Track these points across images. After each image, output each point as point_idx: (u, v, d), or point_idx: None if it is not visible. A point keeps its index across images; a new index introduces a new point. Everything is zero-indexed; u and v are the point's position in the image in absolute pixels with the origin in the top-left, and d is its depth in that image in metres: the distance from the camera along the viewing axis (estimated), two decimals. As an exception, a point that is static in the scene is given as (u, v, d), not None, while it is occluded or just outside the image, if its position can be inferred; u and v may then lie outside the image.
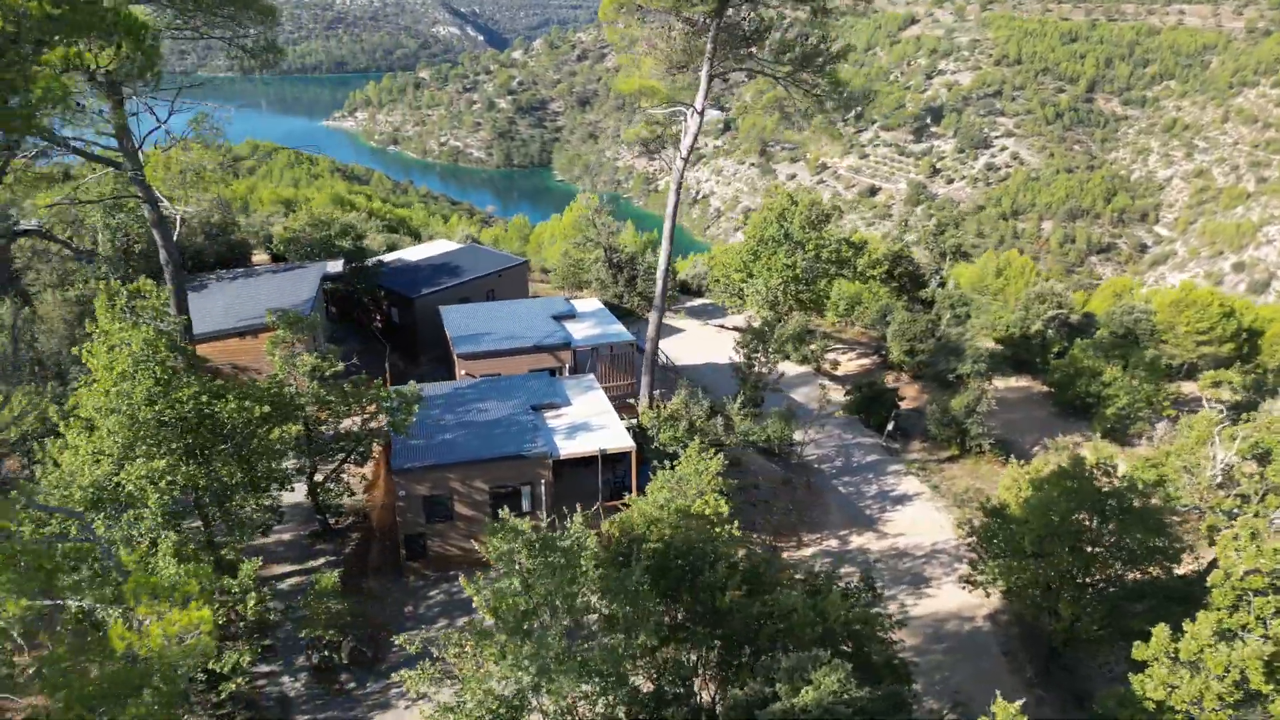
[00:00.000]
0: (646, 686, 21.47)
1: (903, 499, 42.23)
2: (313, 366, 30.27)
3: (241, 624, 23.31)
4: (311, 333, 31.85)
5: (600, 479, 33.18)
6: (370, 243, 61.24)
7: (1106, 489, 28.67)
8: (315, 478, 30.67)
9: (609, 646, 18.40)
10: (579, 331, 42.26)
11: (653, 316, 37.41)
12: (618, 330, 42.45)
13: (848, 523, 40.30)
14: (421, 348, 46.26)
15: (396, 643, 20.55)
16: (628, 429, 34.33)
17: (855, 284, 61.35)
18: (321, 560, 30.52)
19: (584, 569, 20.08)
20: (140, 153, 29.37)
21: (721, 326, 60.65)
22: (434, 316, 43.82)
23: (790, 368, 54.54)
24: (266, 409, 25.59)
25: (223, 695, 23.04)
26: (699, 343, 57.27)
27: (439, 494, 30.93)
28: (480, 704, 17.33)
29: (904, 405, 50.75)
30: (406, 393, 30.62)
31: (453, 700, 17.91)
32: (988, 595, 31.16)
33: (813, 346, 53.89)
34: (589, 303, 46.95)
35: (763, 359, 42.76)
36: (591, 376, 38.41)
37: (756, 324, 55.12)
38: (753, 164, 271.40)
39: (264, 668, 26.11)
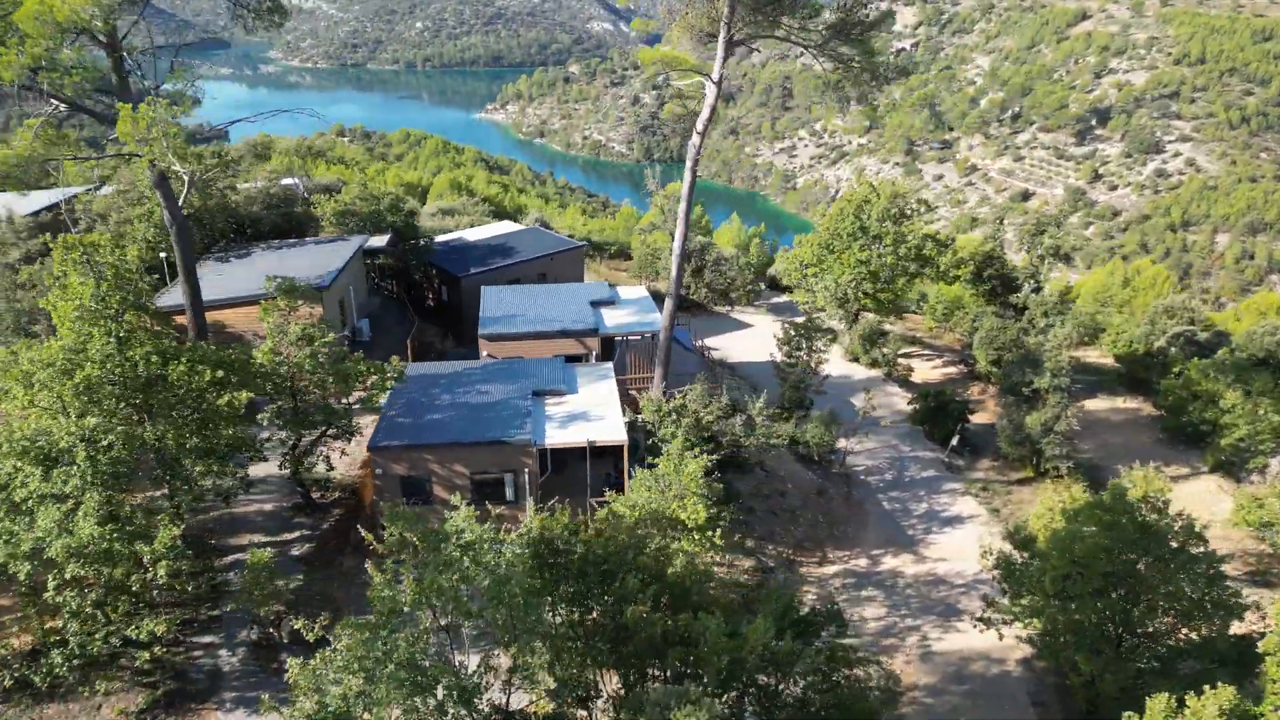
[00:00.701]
0: (541, 705, 19.44)
1: (953, 521, 38.20)
2: (301, 335, 29.74)
3: (155, 592, 22.75)
4: (312, 301, 31.33)
5: (589, 472, 31.30)
6: (452, 223, 61.41)
7: (1150, 526, 24.46)
8: (297, 450, 30.11)
9: (444, 656, 16.47)
10: (613, 319, 40.41)
11: (666, 304, 35.10)
12: (653, 320, 40.29)
13: (884, 542, 36.75)
14: (467, 326, 45.53)
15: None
16: (630, 422, 32.26)
17: (956, 287, 56.79)
18: (296, 534, 29.95)
19: (473, 568, 18.33)
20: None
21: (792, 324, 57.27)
22: (480, 296, 42.96)
23: (858, 371, 50.84)
24: (219, 374, 25.05)
25: (137, 662, 22.57)
26: (765, 340, 54.21)
27: (417, 475, 29.79)
28: (306, 715, 15.73)
29: (983, 419, 46.31)
30: (387, 369, 29.65)
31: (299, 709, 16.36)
32: (1000, 638, 27.32)
33: (885, 349, 49.95)
34: (634, 290, 45.00)
35: (805, 357, 39.64)
36: (608, 365, 36.49)
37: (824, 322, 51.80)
38: (897, 163, 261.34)
39: (206, 639, 25.62)
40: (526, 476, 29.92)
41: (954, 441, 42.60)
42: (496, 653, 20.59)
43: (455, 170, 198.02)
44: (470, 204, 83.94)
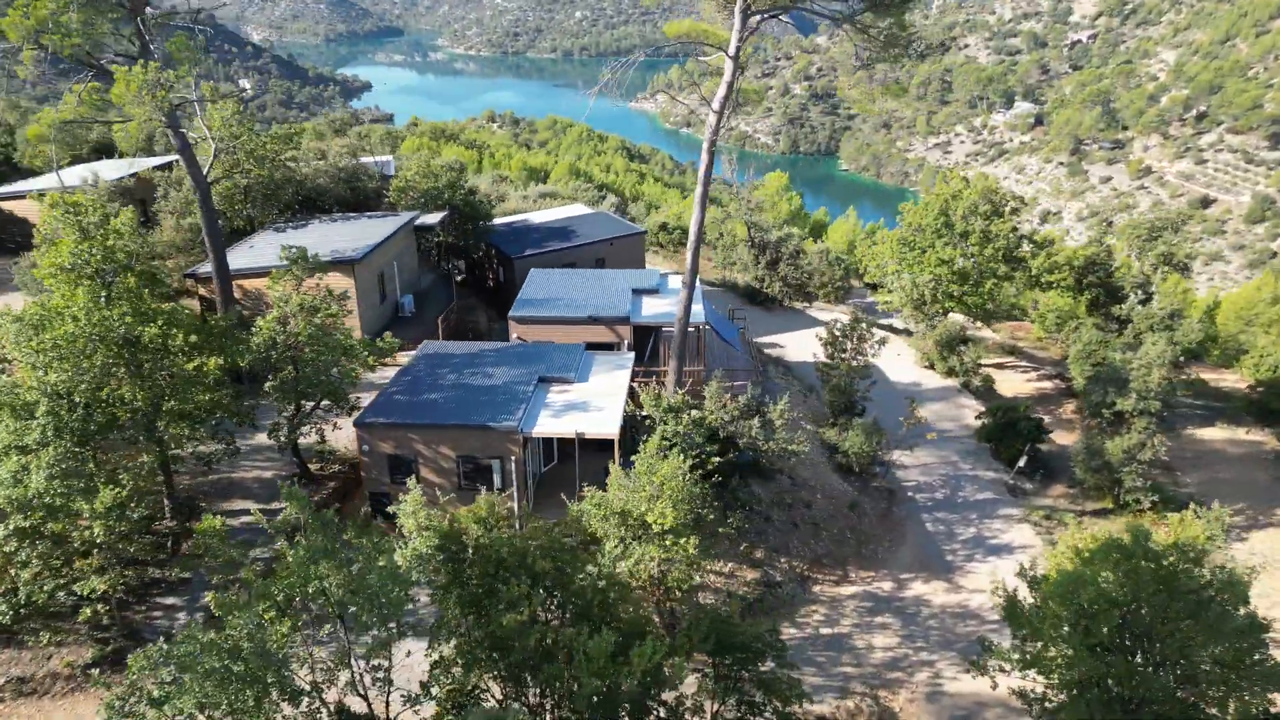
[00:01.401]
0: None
1: (1001, 550, 34.60)
2: (303, 305, 29.76)
3: (96, 550, 23.03)
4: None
5: (577, 465, 29.97)
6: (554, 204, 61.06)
7: (1174, 576, 20.95)
8: (294, 420, 30.17)
9: (263, 652, 15.48)
10: (650, 308, 38.82)
11: (682, 294, 33.16)
12: (694, 311, 38.40)
13: (917, 565, 33.69)
14: (520, 308, 45.03)
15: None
16: (630, 416, 30.71)
17: (1068, 297, 51.95)
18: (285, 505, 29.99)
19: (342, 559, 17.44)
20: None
21: (877, 325, 53.83)
22: (531, 278, 42.36)
23: (931, 379, 47.16)
24: (192, 338, 25.19)
25: (79, 620, 22.97)
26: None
27: (403, 454, 29.28)
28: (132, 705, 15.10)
29: (1069, 441, 41.97)
30: (377, 344, 29.27)
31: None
32: (994, 687, 24.14)
33: (965, 357, 46.08)
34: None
35: (849, 358, 36.83)
36: (629, 355, 34.98)
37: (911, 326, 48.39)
38: (1061, 163, 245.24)
39: (169, 600, 25.95)
40: (514, 464, 28.88)
41: (1021, 462, 38.68)
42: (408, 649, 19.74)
43: (597, 158, 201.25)
44: (582, 189, 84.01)
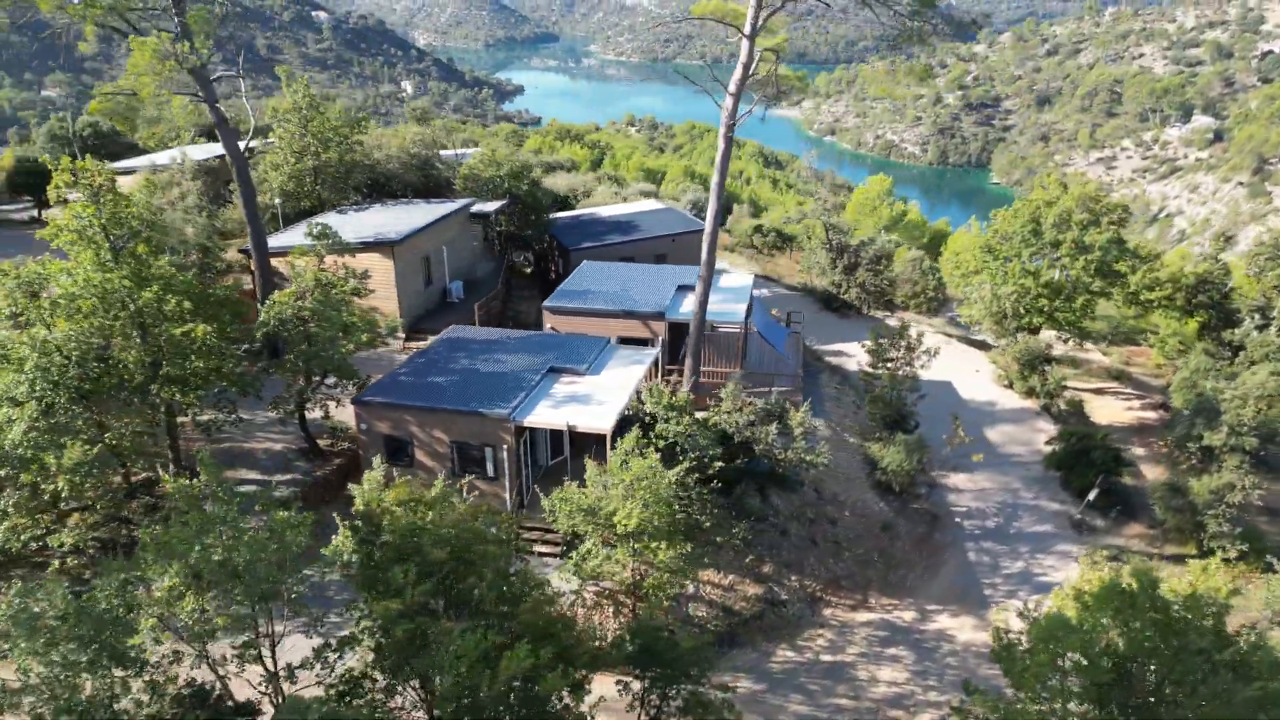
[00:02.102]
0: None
1: (1050, 589, 31.16)
2: (317, 281, 30.00)
3: (62, 504, 23.63)
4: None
5: (569, 459, 28.88)
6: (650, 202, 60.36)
7: (1175, 626, 18.00)
8: (301, 394, 30.43)
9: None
10: (690, 305, 37.26)
11: (698, 288, 31.46)
12: (731, 310, 36.71)
13: (949, 597, 30.81)
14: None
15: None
16: (628, 413, 29.40)
17: (1174, 318, 47.03)
18: (289, 476, 30.29)
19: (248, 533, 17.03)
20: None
21: (967, 339, 50.32)
22: (589, 269, 41.73)
23: (1008, 399, 43.45)
24: (187, 305, 25.65)
25: (46, 571, 23.66)
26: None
27: (399, 436, 28.99)
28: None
29: (1155, 475, 37.71)
30: (379, 323, 29.13)
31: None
32: (971, 738, 21.40)
33: (1049, 378, 42.19)
34: (738, 277, 41.36)
35: (896, 367, 34.18)
36: (651, 351, 33.60)
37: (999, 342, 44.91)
38: (1241, 183, 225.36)
39: (154, 559, 26.45)
40: (505, 453, 28.09)
41: (1092, 495, 34.92)
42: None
43: (734, 162, 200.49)
44: (687, 189, 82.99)
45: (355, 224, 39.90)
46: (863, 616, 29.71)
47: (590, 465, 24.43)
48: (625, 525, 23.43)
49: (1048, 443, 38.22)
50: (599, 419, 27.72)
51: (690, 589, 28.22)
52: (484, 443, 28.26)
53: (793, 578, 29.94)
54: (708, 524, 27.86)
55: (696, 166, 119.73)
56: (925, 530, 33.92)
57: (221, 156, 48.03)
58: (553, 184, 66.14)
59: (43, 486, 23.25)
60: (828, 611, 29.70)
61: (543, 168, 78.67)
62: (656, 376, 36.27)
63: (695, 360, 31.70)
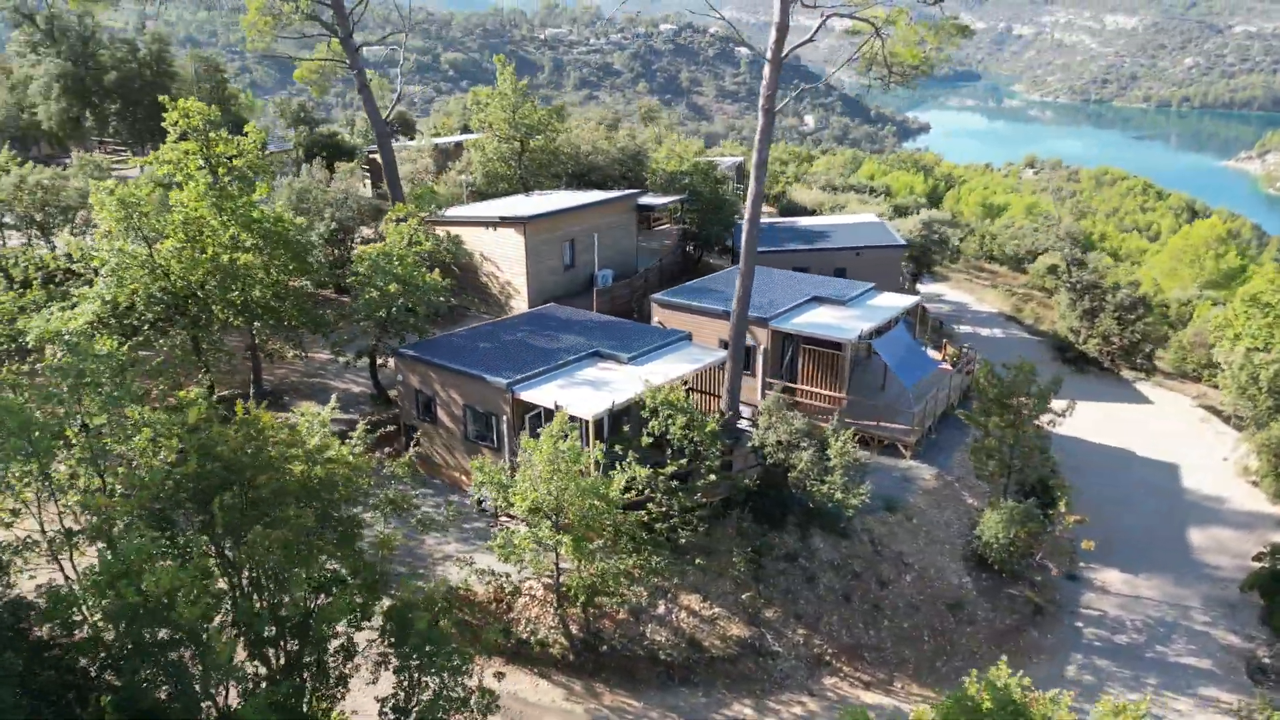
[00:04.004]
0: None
1: (1152, 737, 23.02)
2: (409, 240, 31.51)
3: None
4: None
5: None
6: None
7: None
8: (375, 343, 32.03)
9: None
10: (812, 317, 33.32)
11: (738, 283, 27.48)
12: (839, 325, 32.14)
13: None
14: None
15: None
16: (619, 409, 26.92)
17: None
18: (353, 417, 31.98)
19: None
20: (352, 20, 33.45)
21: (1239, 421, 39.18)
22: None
23: (1247, 498, 33.00)
24: (255, 240, 28.26)
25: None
26: (1153, 423, 38.60)
27: (425, 392, 29.28)
28: None
29: None
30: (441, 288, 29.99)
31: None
32: None
33: (1310, 479, 31.38)
34: (892, 298, 35.99)
35: (1022, 419, 27.43)
36: (716, 353, 30.33)
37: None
38: None
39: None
40: (505, 423, 27.18)
41: (1288, 638, 25.33)
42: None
43: (1140, 214, 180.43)
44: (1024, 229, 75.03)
45: (533, 205, 41.29)
46: (872, 698, 24.24)
47: (525, 440, 22.74)
48: (521, 503, 21.55)
49: (1256, 556, 28.39)
50: (588, 405, 25.70)
51: (661, 608, 25.07)
52: (489, 410, 27.60)
53: (799, 630, 25.33)
54: (683, 539, 24.59)
55: (1057, 210, 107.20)
56: (1016, 623, 26.85)
57: (458, 143, 52.51)
58: (803, 197, 63.60)
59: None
60: (830, 680, 24.67)
61: (838, 188, 75.63)
62: (756, 388, 32.98)
63: (736, 366, 28.11)
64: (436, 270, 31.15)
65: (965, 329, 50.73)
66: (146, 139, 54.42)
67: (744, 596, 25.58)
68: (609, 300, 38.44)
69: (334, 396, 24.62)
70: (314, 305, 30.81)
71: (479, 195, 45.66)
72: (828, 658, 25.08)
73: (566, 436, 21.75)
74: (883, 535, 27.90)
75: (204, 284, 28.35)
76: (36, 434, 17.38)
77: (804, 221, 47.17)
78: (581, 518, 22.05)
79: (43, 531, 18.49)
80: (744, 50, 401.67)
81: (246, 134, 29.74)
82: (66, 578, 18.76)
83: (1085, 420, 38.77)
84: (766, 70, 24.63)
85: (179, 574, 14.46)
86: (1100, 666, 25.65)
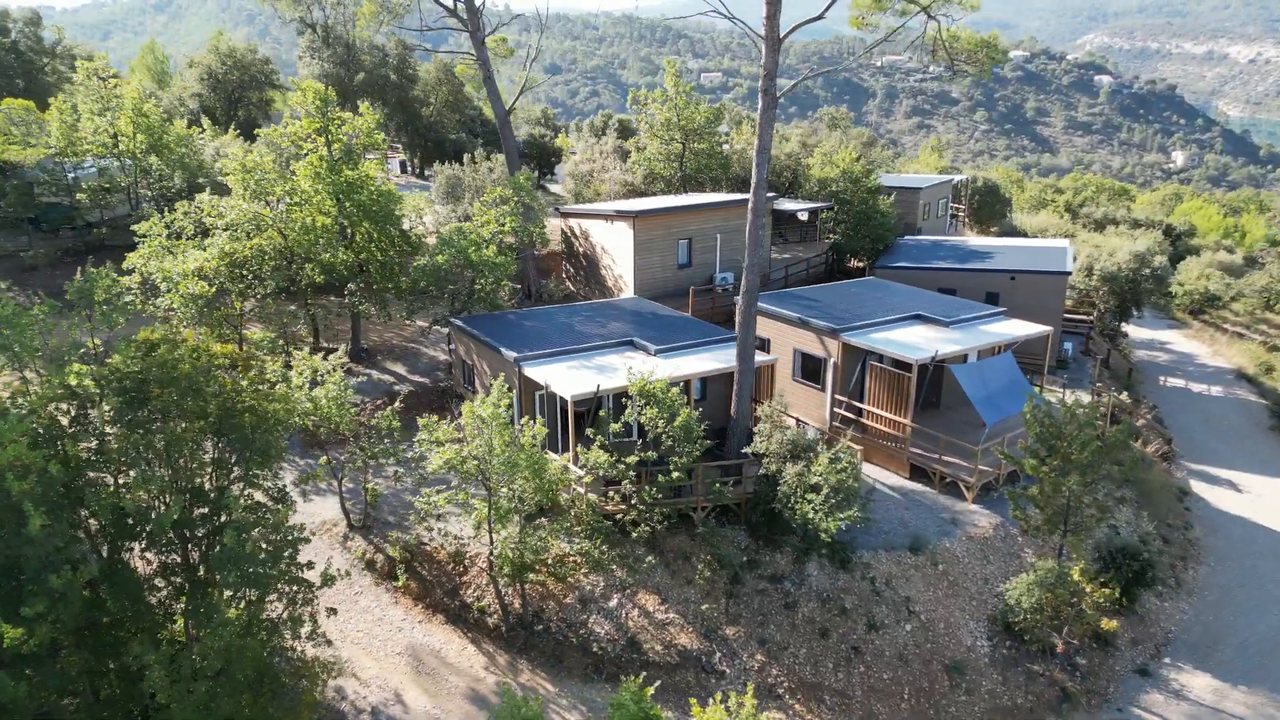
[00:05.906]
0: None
1: None
2: (492, 219, 33.09)
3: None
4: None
5: (558, 422, 26.61)
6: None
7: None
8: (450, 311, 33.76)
9: None
10: (894, 335, 30.23)
11: (744, 277, 24.99)
12: (918, 347, 28.72)
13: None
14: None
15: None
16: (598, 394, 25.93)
17: None
18: (422, 379, 33.86)
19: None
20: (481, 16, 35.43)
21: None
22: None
23: None
24: (337, 206, 31.11)
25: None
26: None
27: (466, 360, 30.39)
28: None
29: None
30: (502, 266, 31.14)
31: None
32: None
33: None
34: (1011, 325, 31.48)
35: (1073, 457, 22.97)
36: (761, 355, 28.33)
37: None
38: None
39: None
40: (514, 396, 27.54)
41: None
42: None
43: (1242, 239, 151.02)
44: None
45: (654, 201, 41.43)
46: (814, 751, 21.52)
47: (465, 407, 23.02)
48: (436, 461, 21.81)
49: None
50: (572, 387, 25.34)
51: (614, 601, 23.96)
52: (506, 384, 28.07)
53: (757, 656, 23.12)
54: (637, 534, 23.45)
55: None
56: (1029, 706, 22.44)
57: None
58: (1035, 222, 58.69)
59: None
60: (774, 715, 22.21)
61: (1102, 221, 68.18)
62: (825, 405, 30.63)
63: (745, 378, 25.93)
64: (491, 248, 32.13)
65: (1176, 382, 43.28)
66: (390, 132, 61.47)
67: (704, 608, 23.83)
68: (709, 301, 37.38)
69: (341, 348, 26.43)
70: (399, 273, 33.11)
71: (636, 193, 46.37)
72: (780, 691, 22.63)
73: (499, 406, 21.74)
74: (892, 574, 24.64)
75: (302, 244, 31.57)
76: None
77: (973, 241, 42.56)
78: (507, 486, 21.86)
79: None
80: (1105, 78, 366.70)
81: (361, 114, 32.79)
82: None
83: (1275, 500, 31.98)
84: (764, 50, 22.78)
85: (27, 453, 16.40)
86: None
